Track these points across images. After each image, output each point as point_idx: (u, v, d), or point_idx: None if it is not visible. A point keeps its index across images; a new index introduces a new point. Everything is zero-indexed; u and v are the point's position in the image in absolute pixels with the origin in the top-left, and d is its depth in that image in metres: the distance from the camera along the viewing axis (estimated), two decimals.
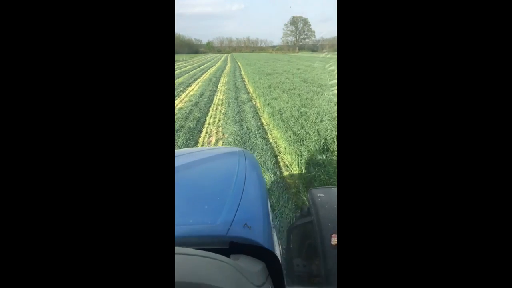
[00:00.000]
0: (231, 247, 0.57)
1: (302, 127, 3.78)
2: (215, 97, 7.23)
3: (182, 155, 1.08)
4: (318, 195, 0.97)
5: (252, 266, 0.53)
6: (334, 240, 0.78)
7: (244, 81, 10.42)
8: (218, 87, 8.99)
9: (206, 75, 12.98)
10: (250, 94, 7.47)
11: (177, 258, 0.39)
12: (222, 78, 11.65)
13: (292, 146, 3.18)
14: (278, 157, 3.24)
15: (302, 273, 0.92)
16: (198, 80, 11.09)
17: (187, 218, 0.64)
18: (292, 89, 6.94)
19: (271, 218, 0.86)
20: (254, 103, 6.38)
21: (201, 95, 7.41)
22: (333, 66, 8.78)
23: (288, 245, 1.11)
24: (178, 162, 0.96)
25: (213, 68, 16.98)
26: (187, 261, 0.43)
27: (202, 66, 19.03)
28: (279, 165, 3.03)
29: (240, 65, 19.09)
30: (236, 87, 8.74)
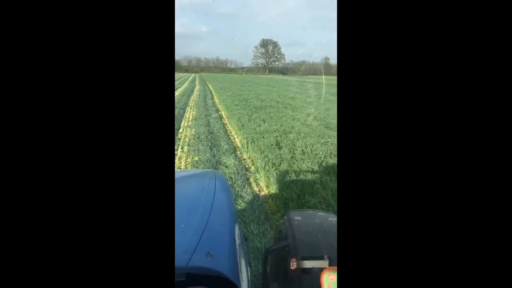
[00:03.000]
0: (188, 278, 0.55)
1: None
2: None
3: None
4: (295, 218, 0.94)
5: None
6: (293, 265, 0.77)
7: (221, 117, 6.84)
8: (180, 133, 5.30)
9: None
10: (244, 162, 3.88)
11: None
12: (188, 110, 7.95)
13: None
14: None
15: None
16: None
17: None
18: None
19: (238, 243, 0.79)
20: (268, 209, 2.79)
21: None
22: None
23: (265, 269, 1.05)
24: None
25: (177, 93, 13.21)
26: None
27: None
28: None
29: (211, 88, 15.53)
30: (212, 136, 5.11)
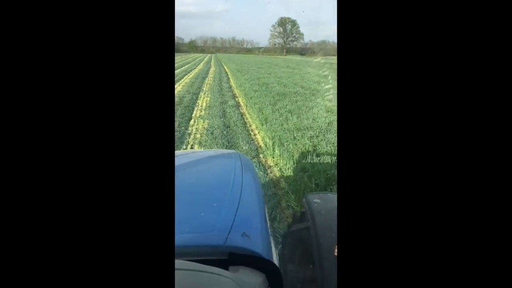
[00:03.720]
0: (230, 258, 0.56)
1: None
2: None
3: (176, 156, 1.01)
4: (315, 200, 0.95)
5: (253, 279, 0.53)
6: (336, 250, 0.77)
7: (238, 105, 5.92)
8: (191, 125, 4.43)
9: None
10: (270, 173, 2.97)
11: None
12: (201, 96, 7.05)
13: None
14: None
15: (296, 278, 0.90)
16: None
17: (182, 225, 0.60)
18: None
19: (268, 224, 0.81)
20: None
21: None
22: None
23: (283, 250, 1.06)
24: None
25: (191, 75, 12.29)
26: (184, 277, 0.42)
27: (177, 71, 14.18)
28: None
29: (227, 70, 14.49)
30: (228, 131, 4.22)
